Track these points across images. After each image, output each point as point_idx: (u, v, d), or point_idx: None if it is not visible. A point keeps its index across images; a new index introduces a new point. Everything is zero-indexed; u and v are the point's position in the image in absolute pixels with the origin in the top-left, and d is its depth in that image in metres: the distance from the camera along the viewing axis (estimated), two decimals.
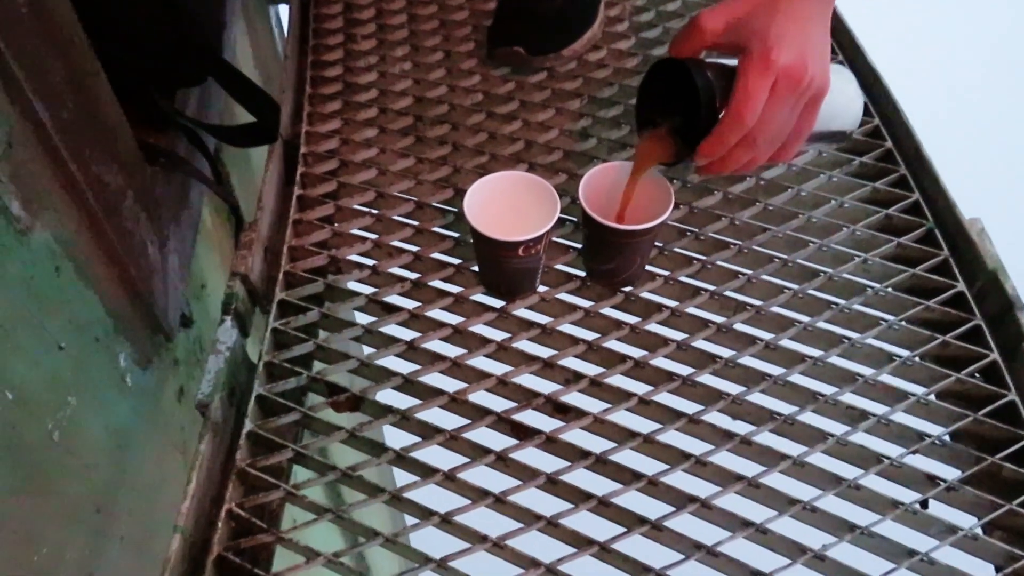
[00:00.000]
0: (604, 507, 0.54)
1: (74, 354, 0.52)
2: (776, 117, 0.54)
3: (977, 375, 0.60)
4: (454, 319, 0.64)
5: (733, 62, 0.54)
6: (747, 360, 0.61)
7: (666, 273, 0.66)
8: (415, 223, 0.70)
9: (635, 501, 0.54)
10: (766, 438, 0.57)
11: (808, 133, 0.57)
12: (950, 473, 0.56)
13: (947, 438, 0.57)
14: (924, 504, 0.54)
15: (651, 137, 0.59)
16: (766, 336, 0.62)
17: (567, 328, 0.63)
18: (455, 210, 0.70)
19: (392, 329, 0.63)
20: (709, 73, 0.55)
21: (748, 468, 0.55)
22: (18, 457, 0.47)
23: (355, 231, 0.70)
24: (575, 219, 0.69)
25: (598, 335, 0.63)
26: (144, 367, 0.63)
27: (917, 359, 0.61)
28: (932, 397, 0.59)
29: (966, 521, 0.54)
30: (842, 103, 0.61)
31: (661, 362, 0.61)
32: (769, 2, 0.53)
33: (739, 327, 0.63)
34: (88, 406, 0.54)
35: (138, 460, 0.62)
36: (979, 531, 0.53)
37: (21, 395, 0.47)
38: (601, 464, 0.56)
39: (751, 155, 0.56)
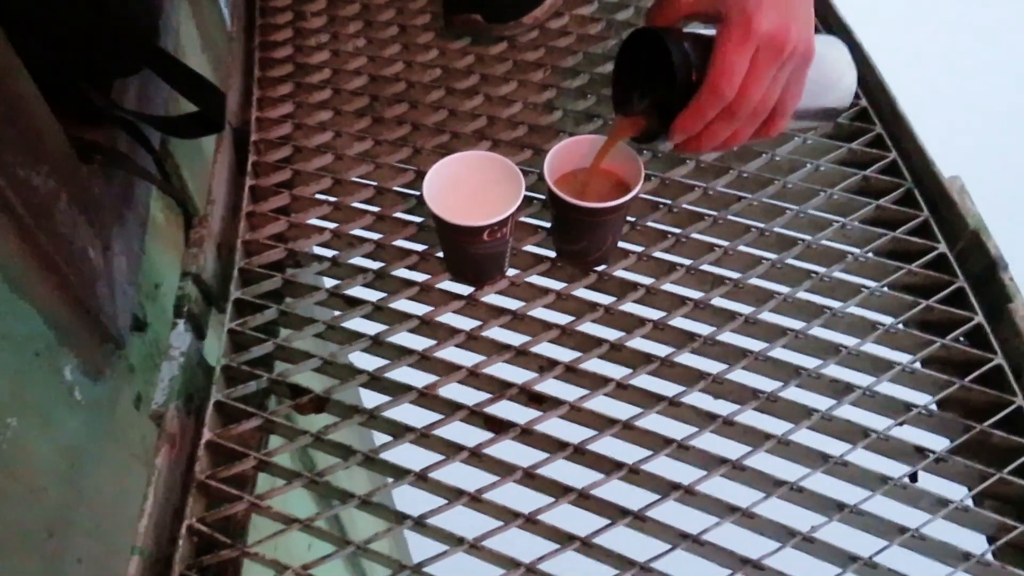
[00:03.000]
0: (584, 500, 0.52)
1: (11, 373, 0.49)
2: (758, 89, 0.50)
3: (962, 339, 0.58)
4: (420, 309, 0.61)
5: (711, 32, 0.51)
6: (727, 336, 0.59)
7: (640, 249, 0.63)
8: (375, 209, 0.67)
9: (616, 491, 0.52)
10: (749, 417, 0.55)
11: (795, 105, 0.54)
12: (939, 443, 0.54)
13: (934, 407, 0.56)
14: (913, 477, 0.53)
15: (626, 114, 0.56)
16: (745, 310, 0.60)
17: (539, 313, 0.60)
18: (417, 194, 0.67)
19: (356, 323, 0.60)
20: (685, 44, 0.51)
21: (732, 450, 0.53)
22: None
23: (313, 221, 0.67)
24: (543, 197, 0.66)
25: (571, 318, 0.60)
26: (95, 378, 0.60)
27: (901, 326, 0.59)
28: (917, 365, 0.57)
29: (956, 492, 0.52)
30: (832, 75, 0.58)
31: (638, 343, 0.59)
32: None
33: (717, 302, 0.60)
34: (32, 426, 0.51)
35: (95, 477, 0.59)
36: (970, 502, 0.52)
37: None
38: (580, 454, 0.54)
39: (731, 130, 0.53)
